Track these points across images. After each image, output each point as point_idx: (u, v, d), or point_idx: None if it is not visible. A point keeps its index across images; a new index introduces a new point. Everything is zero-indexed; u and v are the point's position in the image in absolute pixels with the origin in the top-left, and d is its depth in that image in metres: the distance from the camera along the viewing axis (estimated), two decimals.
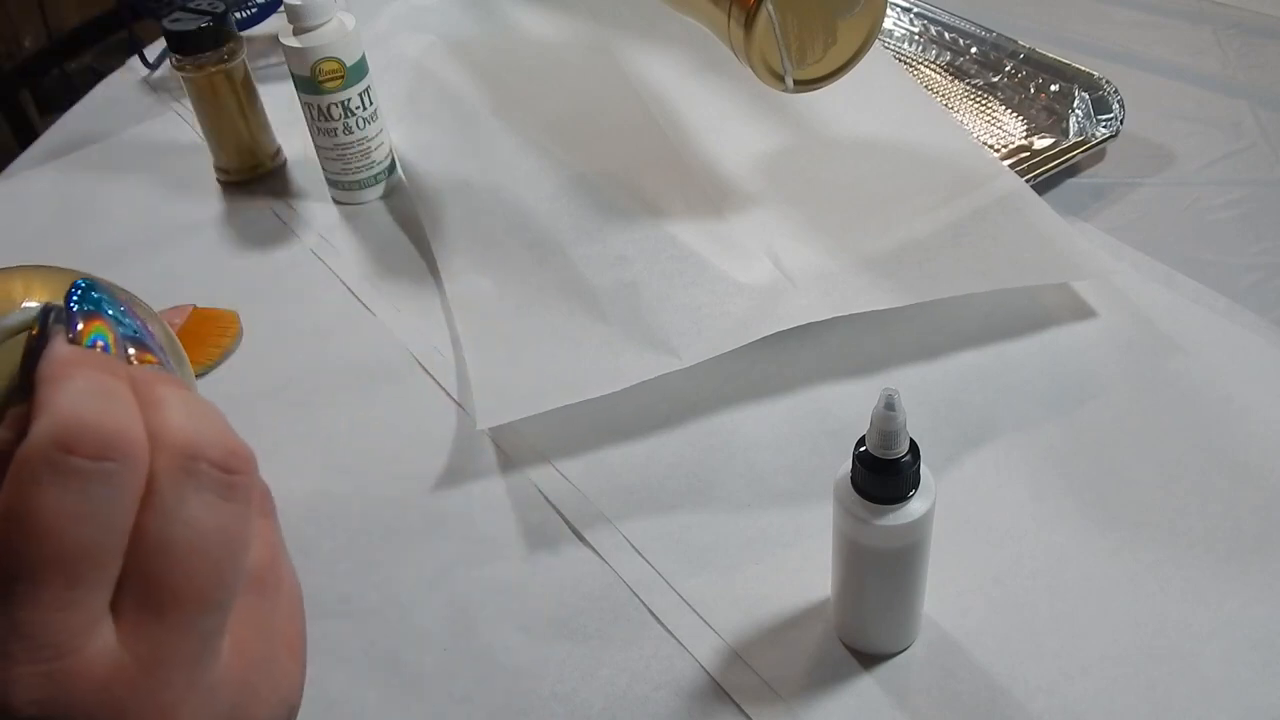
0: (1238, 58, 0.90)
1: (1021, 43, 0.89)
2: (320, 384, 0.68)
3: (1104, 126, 0.80)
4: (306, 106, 0.78)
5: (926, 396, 0.63)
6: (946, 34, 0.93)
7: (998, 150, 0.80)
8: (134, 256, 0.79)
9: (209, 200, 0.85)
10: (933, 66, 0.91)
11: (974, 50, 0.91)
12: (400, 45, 0.93)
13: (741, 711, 0.49)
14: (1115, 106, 0.81)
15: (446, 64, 0.91)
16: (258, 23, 0.99)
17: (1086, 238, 0.71)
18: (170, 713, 0.25)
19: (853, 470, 0.45)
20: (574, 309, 0.68)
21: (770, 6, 0.62)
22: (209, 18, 0.78)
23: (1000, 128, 0.83)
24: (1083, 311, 0.67)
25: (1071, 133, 0.81)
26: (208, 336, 0.70)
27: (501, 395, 0.63)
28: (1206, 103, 0.85)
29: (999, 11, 0.96)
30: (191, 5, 0.79)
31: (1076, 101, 0.82)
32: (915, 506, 0.45)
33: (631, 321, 0.66)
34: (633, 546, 0.57)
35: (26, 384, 0.26)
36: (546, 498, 0.60)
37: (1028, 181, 0.73)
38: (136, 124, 0.94)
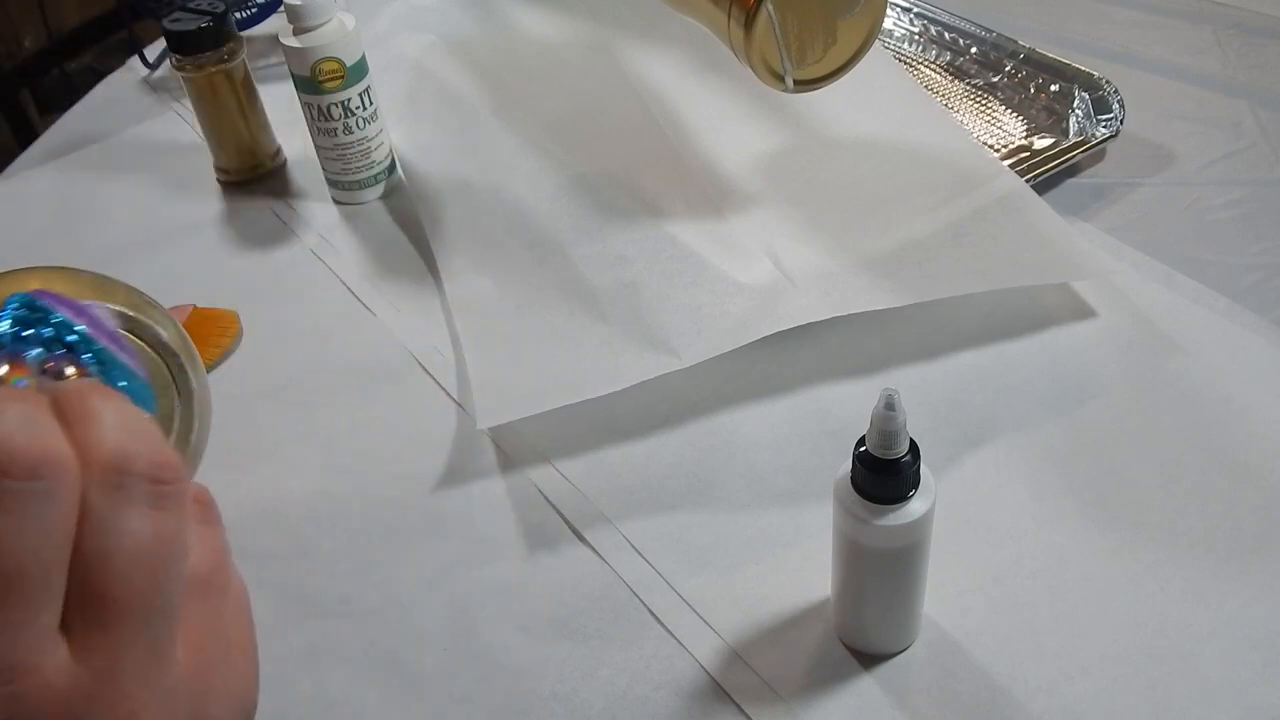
0: (1238, 58, 0.90)
1: (1021, 43, 0.89)
2: (320, 384, 0.68)
3: (1104, 126, 0.80)
4: (306, 106, 0.78)
5: (926, 396, 0.63)
6: (946, 34, 0.93)
7: (998, 150, 0.80)
8: (134, 256, 0.79)
9: (209, 200, 0.85)
10: (933, 66, 0.92)
11: (974, 50, 0.91)
12: (400, 45, 0.93)
13: (741, 711, 0.49)
14: (1115, 106, 0.81)
15: (446, 64, 0.91)
16: (258, 23, 0.99)
17: (1086, 238, 0.71)
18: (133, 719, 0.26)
19: (853, 470, 0.45)
20: (574, 309, 0.68)
21: (770, 6, 0.62)
22: (209, 18, 0.78)
23: (1000, 128, 0.83)
24: (1083, 311, 0.67)
25: (1071, 133, 0.81)
26: (208, 336, 0.70)
27: (501, 395, 0.63)
28: (1206, 103, 0.85)
29: (999, 11, 0.96)
30: (191, 5, 0.79)
31: (1076, 101, 0.82)
32: (915, 506, 0.45)
33: (631, 321, 0.66)
34: (633, 546, 0.57)
35: None
36: (546, 498, 0.60)
37: (1028, 181, 0.73)
38: (136, 124, 0.94)
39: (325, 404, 0.67)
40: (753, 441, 0.62)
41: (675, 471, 0.60)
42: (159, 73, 1.00)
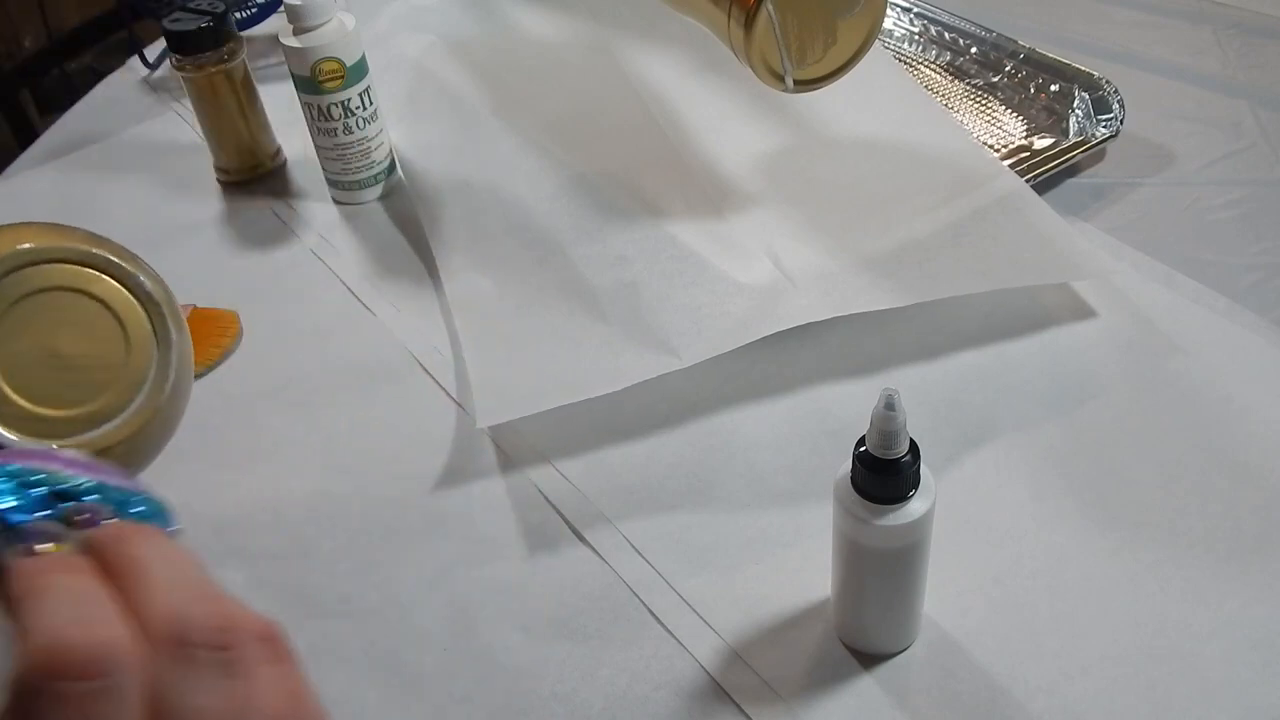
0: (1238, 58, 0.90)
1: (1021, 43, 0.89)
2: (320, 384, 0.68)
3: (1104, 126, 0.80)
4: (306, 106, 0.78)
5: (926, 396, 0.63)
6: (946, 34, 0.93)
7: (998, 150, 0.80)
8: None
9: (209, 200, 0.85)
10: (933, 66, 0.91)
11: (974, 50, 0.91)
12: (400, 45, 0.93)
13: (741, 711, 0.49)
14: (1115, 106, 0.81)
15: (446, 64, 0.91)
16: (258, 23, 0.99)
17: (1086, 238, 0.71)
18: None
19: (853, 470, 0.45)
20: (574, 309, 0.68)
21: (770, 6, 0.62)
22: (209, 18, 0.78)
23: (1000, 128, 0.83)
24: (1083, 311, 0.67)
25: (1071, 133, 0.81)
26: (208, 336, 0.70)
27: (501, 394, 0.63)
28: (1206, 103, 0.85)
29: (999, 11, 0.96)
30: (191, 5, 0.79)
31: (1076, 101, 0.82)
32: (915, 506, 0.45)
33: (631, 321, 0.66)
34: (633, 546, 0.57)
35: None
36: (546, 498, 0.60)
37: (1028, 181, 0.73)
38: (136, 124, 0.94)
39: (325, 404, 0.67)
40: (753, 441, 0.62)
41: (675, 471, 0.60)
42: (159, 73, 1.00)
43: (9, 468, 0.29)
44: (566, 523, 0.58)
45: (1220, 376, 0.62)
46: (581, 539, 0.57)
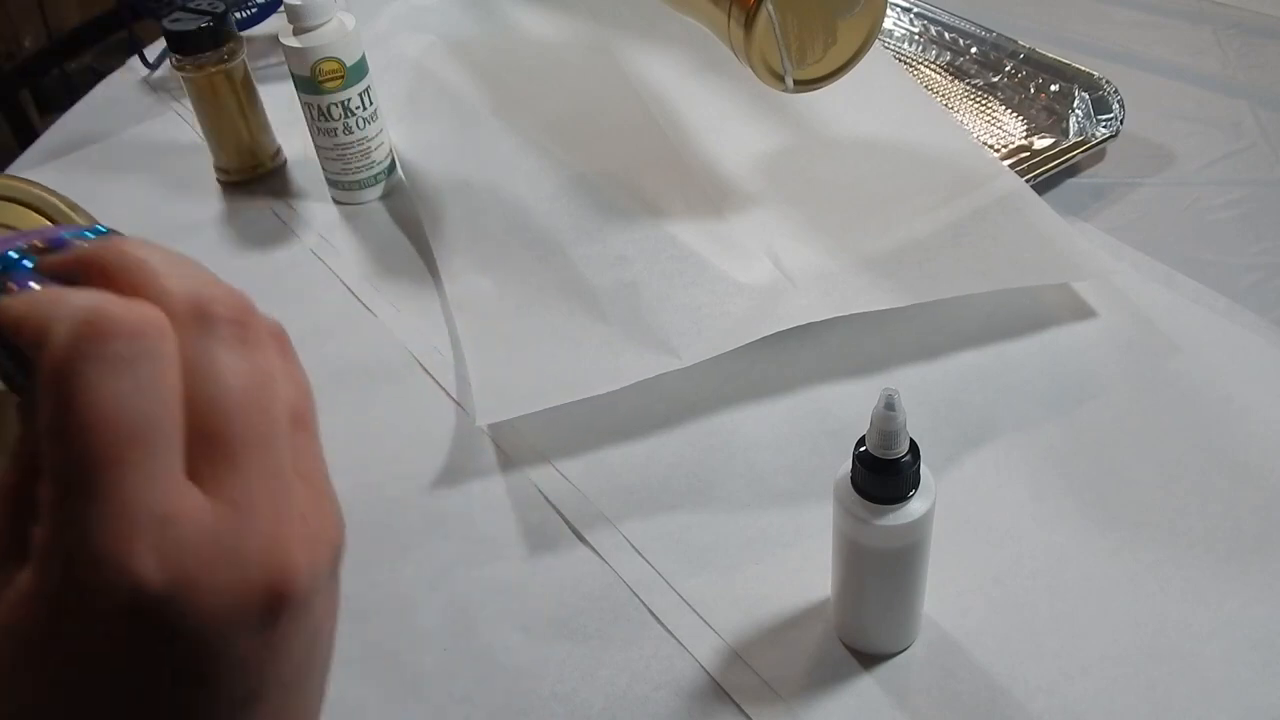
0: (1238, 58, 0.90)
1: (1021, 43, 0.89)
2: (320, 384, 0.67)
3: (1104, 126, 0.80)
4: (306, 106, 0.78)
5: (926, 396, 0.63)
6: (946, 34, 0.93)
7: (998, 150, 0.80)
8: None
9: (209, 200, 0.85)
10: (933, 66, 0.91)
11: (974, 50, 0.91)
12: (400, 45, 0.93)
13: (741, 711, 0.49)
14: (1115, 106, 0.81)
15: (446, 64, 0.91)
16: (258, 23, 0.99)
17: (1086, 238, 0.71)
18: (281, 543, 0.27)
19: (853, 470, 0.45)
20: (574, 309, 0.68)
21: (770, 6, 0.62)
22: (209, 18, 0.78)
23: (1000, 128, 0.83)
24: (1083, 311, 0.67)
25: (1071, 133, 0.81)
26: None
27: (501, 393, 0.63)
28: (1206, 103, 0.85)
29: (999, 11, 0.96)
30: (191, 5, 0.79)
31: (1076, 101, 0.82)
32: (915, 506, 0.45)
33: (631, 321, 0.66)
34: (633, 546, 0.57)
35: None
36: (546, 498, 0.60)
37: (1028, 181, 0.73)
38: (136, 124, 0.94)
39: (325, 404, 0.66)
40: (753, 441, 0.62)
41: (675, 471, 0.60)
42: (159, 73, 1.00)
43: None
44: (566, 523, 0.58)
45: (1220, 376, 0.62)
46: (581, 539, 0.57)
